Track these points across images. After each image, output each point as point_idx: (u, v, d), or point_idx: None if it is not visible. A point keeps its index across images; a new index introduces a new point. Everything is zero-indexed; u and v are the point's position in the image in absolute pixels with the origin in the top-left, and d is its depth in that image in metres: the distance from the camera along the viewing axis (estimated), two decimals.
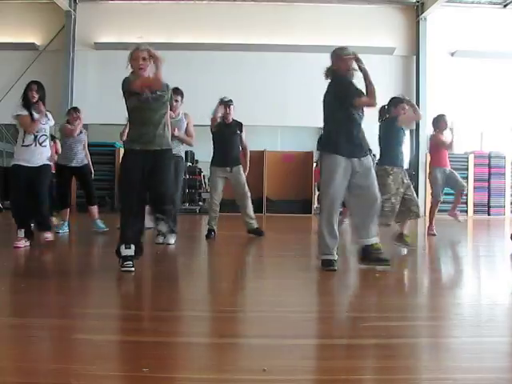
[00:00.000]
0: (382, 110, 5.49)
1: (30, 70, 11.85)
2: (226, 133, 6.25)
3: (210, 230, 6.22)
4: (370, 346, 2.29)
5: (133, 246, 3.83)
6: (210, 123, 6.25)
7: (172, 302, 3.25)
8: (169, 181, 4.03)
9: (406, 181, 5.30)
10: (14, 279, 3.76)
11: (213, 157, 6.33)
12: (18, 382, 1.83)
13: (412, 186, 5.46)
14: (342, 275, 4.09)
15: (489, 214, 11.93)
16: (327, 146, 4.10)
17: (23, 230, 4.98)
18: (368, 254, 4.09)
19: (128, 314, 2.81)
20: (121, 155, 12.30)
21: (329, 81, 4.17)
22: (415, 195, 5.46)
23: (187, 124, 5.71)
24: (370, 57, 11.83)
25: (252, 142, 13.64)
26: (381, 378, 1.93)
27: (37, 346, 2.20)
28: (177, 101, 5.52)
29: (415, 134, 12.28)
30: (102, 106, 11.06)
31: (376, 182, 4.14)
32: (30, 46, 11.92)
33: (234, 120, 6.36)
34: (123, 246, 3.82)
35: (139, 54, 3.85)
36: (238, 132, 6.36)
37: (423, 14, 12.09)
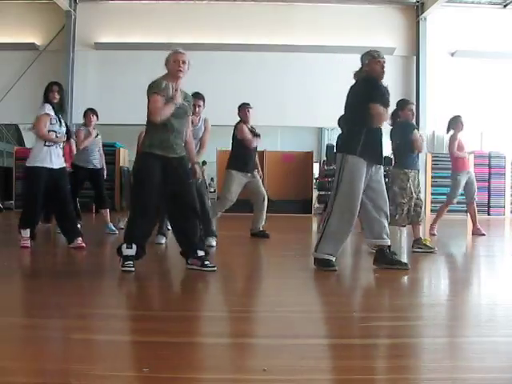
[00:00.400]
0: (395, 114, 5.42)
1: (30, 70, 11.84)
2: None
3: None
4: (369, 346, 2.29)
5: (134, 246, 3.80)
6: (237, 131, 6.30)
7: (172, 302, 3.25)
8: (191, 189, 4.01)
9: (420, 184, 5.35)
10: (14, 279, 3.76)
11: (234, 161, 6.28)
12: (18, 381, 1.83)
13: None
14: (342, 275, 4.09)
15: (489, 214, 11.92)
16: (352, 147, 4.02)
17: (29, 230, 4.97)
18: (384, 257, 4.12)
19: (128, 314, 2.81)
20: (121, 155, 12.23)
21: (356, 81, 4.13)
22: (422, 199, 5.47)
23: (204, 130, 5.36)
24: None
25: None
26: (381, 377, 1.93)
27: (37, 346, 2.20)
28: (199, 106, 5.26)
29: None
30: (102, 106, 11.01)
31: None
32: (30, 46, 11.91)
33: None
34: (125, 246, 3.80)
35: (179, 57, 3.88)
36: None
37: (423, 14, 12.09)
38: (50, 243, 6.01)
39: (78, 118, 9.27)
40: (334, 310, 3.01)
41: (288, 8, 12.16)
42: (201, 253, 3.91)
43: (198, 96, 5.20)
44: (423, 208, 5.35)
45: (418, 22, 12.26)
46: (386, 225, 4.11)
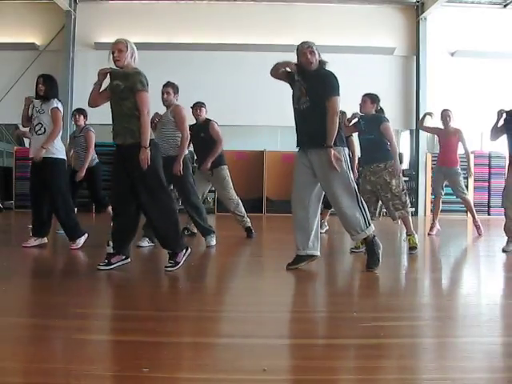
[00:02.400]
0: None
1: (30, 70, 11.83)
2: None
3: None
4: (369, 346, 2.29)
5: (111, 244, 3.97)
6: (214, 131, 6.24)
7: (172, 302, 3.25)
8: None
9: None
10: (14, 279, 3.76)
11: (221, 157, 6.28)
12: (19, 382, 1.83)
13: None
14: (342, 275, 4.09)
15: (489, 214, 11.93)
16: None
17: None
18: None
19: (128, 314, 2.81)
20: None
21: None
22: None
23: (174, 118, 5.26)
24: (370, 57, 11.92)
25: (252, 142, 13.66)
26: (380, 377, 1.93)
27: (37, 346, 2.20)
28: (168, 93, 5.26)
29: (415, 134, 12.29)
30: (101, 106, 11.03)
31: None
32: (30, 46, 11.91)
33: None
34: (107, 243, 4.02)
35: (114, 47, 3.98)
36: None
37: (423, 14, 12.08)
38: (50, 243, 5.99)
39: None
40: (334, 310, 3.01)
41: (288, 8, 12.16)
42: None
43: (166, 84, 5.30)
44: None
45: (418, 21, 12.26)
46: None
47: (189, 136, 5.33)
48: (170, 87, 5.27)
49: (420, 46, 12.23)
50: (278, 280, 3.94)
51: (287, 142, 18.88)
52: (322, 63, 4.11)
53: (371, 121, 5.17)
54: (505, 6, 12.29)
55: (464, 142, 6.97)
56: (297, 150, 4.16)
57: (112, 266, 3.93)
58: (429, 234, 6.91)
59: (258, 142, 12.72)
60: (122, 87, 3.89)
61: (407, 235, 5.17)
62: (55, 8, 11.65)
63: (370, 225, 3.98)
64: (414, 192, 11.84)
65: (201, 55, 11.86)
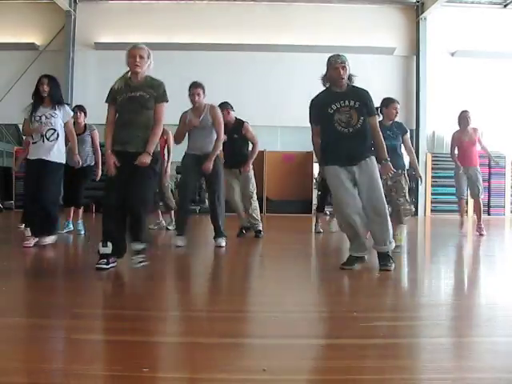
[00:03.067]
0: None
1: (30, 70, 11.85)
2: None
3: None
4: (369, 346, 2.29)
5: (109, 244, 3.85)
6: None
7: (172, 302, 3.25)
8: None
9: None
10: (14, 279, 3.76)
11: None
12: (19, 382, 1.83)
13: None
14: (342, 275, 4.09)
15: (489, 214, 11.93)
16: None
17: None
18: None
19: (128, 314, 2.81)
20: None
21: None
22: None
23: (213, 120, 5.29)
24: (370, 57, 11.92)
25: None
26: (380, 377, 1.93)
27: (37, 346, 2.20)
28: (198, 94, 5.25)
29: (415, 133, 12.29)
30: (102, 106, 11.01)
31: None
32: (30, 46, 11.92)
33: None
34: (100, 244, 3.87)
35: (135, 52, 3.91)
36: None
37: (423, 14, 12.09)
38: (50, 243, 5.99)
39: None
40: (334, 310, 3.00)
41: (288, 8, 12.17)
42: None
43: (194, 85, 5.22)
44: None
45: (418, 21, 12.27)
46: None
47: (224, 137, 5.41)
48: (200, 88, 5.22)
49: (420, 46, 12.24)
50: (277, 280, 3.94)
51: (287, 142, 18.93)
52: (350, 79, 4.14)
53: (398, 127, 5.38)
54: (505, 6, 12.30)
55: (481, 140, 7.31)
56: (330, 166, 4.12)
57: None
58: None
59: (258, 141, 12.71)
60: (148, 97, 3.89)
61: (394, 235, 5.27)
62: (55, 8, 11.66)
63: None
64: (414, 192, 11.85)
65: (200, 55, 11.87)
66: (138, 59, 3.86)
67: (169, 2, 12.25)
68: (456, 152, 7.22)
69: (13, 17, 11.99)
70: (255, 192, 6.61)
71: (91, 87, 11.80)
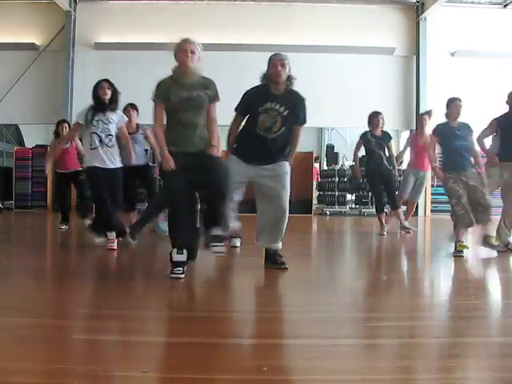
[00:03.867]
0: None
1: (30, 69, 11.85)
2: None
3: None
4: (369, 346, 2.29)
5: (185, 252, 3.69)
6: None
7: (172, 302, 3.25)
8: None
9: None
10: (14, 279, 3.76)
11: None
12: (19, 382, 1.83)
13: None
14: (343, 275, 4.09)
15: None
16: None
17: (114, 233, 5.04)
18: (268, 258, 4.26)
19: (128, 315, 2.81)
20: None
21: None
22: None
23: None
24: (370, 57, 11.93)
25: None
26: (380, 378, 1.93)
27: (37, 346, 2.20)
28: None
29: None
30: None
31: None
32: (30, 46, 11.91)
33: None
34: (175, 251, 3.69)
35: (187, 47, 3.80)
36: None
37: (423, 14, 12.09)
38: (49, 243, 6.00)
39: None
40: (335, 310, 3.01)
41: (288, 8, 12.16)
42: None
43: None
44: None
45: (418, 21, 12.26)
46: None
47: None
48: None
49: (420, 46, 12.23)
50: (277, 280, 3.94)
51: None
52: (290, 80, 4.10)
53: (466, 128, 5.66)
54: (505, 6, 12.30)
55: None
56: (236, 158, 4.16)
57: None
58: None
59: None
60: (204, 97, 3.78)
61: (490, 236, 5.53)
62: (55, 8, 11.65)
63: None
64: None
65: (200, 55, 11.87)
66: (189, 54, 3.68)
67: (169, 2, 12.24)
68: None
69: (13, 17, 11.98)
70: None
71: (91, 87, 11.75)
